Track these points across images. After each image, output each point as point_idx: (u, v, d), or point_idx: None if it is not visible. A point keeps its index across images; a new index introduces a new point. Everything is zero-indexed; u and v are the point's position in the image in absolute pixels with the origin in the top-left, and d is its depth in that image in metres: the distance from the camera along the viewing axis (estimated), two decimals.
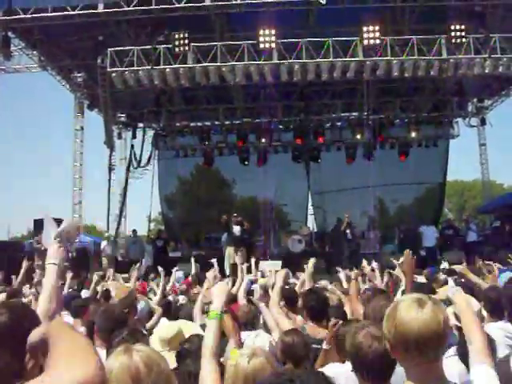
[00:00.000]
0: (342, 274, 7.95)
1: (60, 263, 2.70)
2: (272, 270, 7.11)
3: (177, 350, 3.71)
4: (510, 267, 9.03)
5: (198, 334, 3.74)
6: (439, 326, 1.98)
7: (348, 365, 3.00)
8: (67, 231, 2.83)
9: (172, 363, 3.22)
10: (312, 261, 6.77)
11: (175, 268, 9.43)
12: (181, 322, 4.69)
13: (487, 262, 8.46)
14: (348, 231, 17.73)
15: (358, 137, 21.89)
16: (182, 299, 8.12)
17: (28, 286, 8.09)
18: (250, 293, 6.76)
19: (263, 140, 21.93)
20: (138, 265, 9.45)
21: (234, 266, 15.51)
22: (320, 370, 3.43)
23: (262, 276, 8.82)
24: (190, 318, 5.38)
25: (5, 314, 1.87)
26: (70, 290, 7.97)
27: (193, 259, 10.46)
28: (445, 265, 6.52)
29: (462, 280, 6.08)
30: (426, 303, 2.03)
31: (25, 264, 7.59)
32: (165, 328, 4.05)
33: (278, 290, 4.85)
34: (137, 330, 3.83)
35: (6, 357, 1.76)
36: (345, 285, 7.41)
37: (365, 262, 7.67)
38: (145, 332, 4.09)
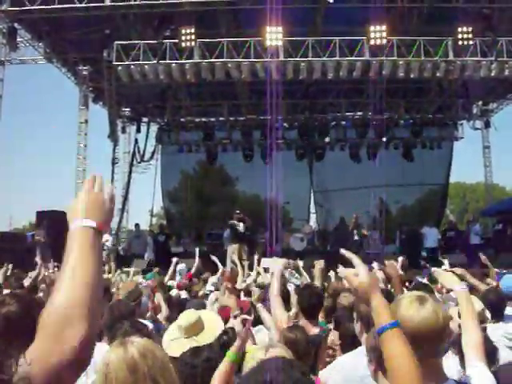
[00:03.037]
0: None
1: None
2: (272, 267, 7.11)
3: (193, 337, 3.76)
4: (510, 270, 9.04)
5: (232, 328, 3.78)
6: (438, 323, 2.01)
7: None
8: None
9: (184, 350, 3.24)
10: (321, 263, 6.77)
11: (175, 259, 9.42)
12: (203, 311, 4.71)
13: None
14: (355, 231, 17.77)
15: (362, 137, 21.92)
16: (183, 294, 8.16)
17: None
18: (247, 293, 6.80)
19: (267, 137, 21.91)
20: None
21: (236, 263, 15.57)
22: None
23: (266, 272, 8.85)
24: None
25: (14, 304, 1.89)
26: None
27: (197, 251, 10.49)
28: (446, 266, 6.51)
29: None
30: (427, 301, 2.07)
31: (39, 262, 7.63)
32: (185, 315, 4.07)
33: (277, 275, 4.82)
34: (138, 321, 3.86)
35: (17, 344, 1.78)
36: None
37: (375, 265, 7.66)
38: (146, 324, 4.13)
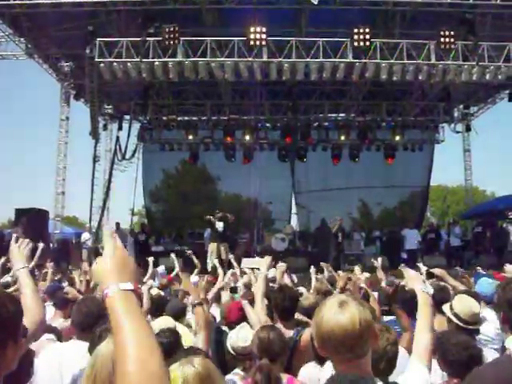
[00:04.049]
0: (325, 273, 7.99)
1: (28, 264, 2.84)
2: (254, 267, 7.09)
3: None
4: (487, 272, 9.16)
5: (171, 329, 3.74)
6: (354, 326, 1.99)
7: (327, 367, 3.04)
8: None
9: None
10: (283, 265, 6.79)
11: (151, 258, 9.34)
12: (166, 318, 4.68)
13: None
14: (339, 234, 17.86)
15: (344, 138, 22.02)
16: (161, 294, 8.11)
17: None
18: (233, 290, 6.78)
19: (249, 137, 21.91)
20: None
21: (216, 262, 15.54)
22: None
23: (244, 273, 8.82)
24: (179, 313, 5.39)
25: (6, 298, 1.86)
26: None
27: (173, 255, 10.38)
28: (422, 271, 6.56)
29: (441, 283, 6.12)
30: (348, 304, 2.05)
31: (2, 260, 7.53)
32: (162, 321, 4.05)
33: (262, 277, 4.79)
34: None
35: None
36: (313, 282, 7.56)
37: (357, 269, 7.70)
38: None
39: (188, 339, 3.74)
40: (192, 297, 4.46)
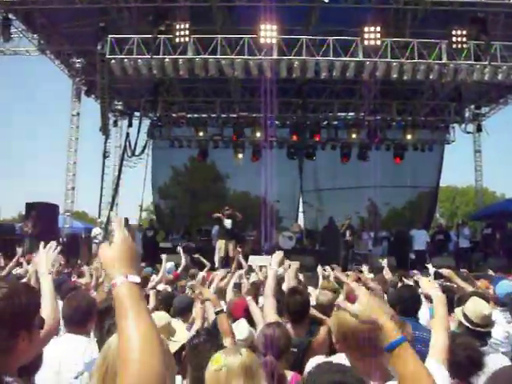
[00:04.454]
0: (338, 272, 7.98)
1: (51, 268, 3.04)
2: (261, 265, 7.10)
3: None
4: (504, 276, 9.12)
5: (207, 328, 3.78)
6: (374, 323, 2.01)
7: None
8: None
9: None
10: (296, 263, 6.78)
11: (164, 256, 9.38)
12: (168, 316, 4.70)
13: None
14: (348, 233, 17.83)
15: (354, 137, 21.96)
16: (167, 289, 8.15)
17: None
18: (237, 286, 6.79)
19: (259, 135, 21.91)
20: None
21: (223, 259, 15.58)
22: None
23: (251, 270, 8.84)
24: (185, 309, 5.41)
25: (4, 289, 1.88)
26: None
27: (181, 249, 10.41)
28: (431, 271, 6.55)
29: (448, 283, 6.10)
30: None
31: (19, 252, 7.58)
32: (157, 317, 4.06)
33: (273, 274, 4.76)
34: None
35: (4, 331, 1.78)
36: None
37: (365, 268, 7.69)
38: None
39: (183, 335, 3.75)
40: (212, 304, 4.50)
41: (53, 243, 3.18)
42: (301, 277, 8.70)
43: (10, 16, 16.32)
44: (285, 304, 4.67)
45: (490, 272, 10.15)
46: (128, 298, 1.44)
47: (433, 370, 2.44)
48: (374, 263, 13.17)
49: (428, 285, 3.17)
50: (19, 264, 7.71)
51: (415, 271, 6.41)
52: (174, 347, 3.37)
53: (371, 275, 8.13)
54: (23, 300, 1.87)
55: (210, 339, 3.48)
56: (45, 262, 3.06)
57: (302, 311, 4.57)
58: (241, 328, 4.17)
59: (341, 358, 2.44)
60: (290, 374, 3.43)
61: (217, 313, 4.13)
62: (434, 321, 2.81)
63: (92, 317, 3.91)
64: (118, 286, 1.47)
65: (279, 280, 6.14)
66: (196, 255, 9.49)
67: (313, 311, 4.85)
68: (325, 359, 3.51)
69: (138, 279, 1.51)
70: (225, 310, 5.99)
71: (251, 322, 4.77)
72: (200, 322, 4.63)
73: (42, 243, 3.20)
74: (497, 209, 24.07)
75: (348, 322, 2.05)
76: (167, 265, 9.93)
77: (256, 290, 6.88)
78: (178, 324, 4.02)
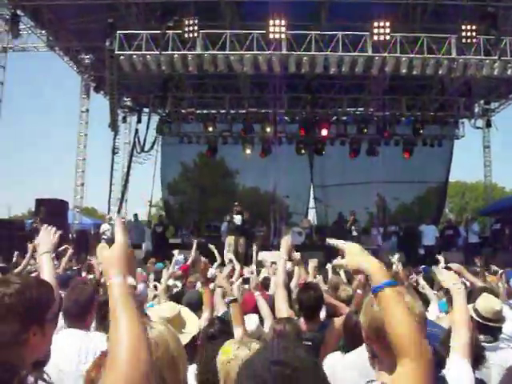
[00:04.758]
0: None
1: (52, 250, 3.05)
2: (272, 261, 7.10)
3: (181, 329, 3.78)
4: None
5: (220, 317, 3.79)
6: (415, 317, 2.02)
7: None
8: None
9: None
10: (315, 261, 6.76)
11: (176, 251, 9.42)
12: (181, 306, 4.71)
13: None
14: (353, 227, 17.80)
15: (363, 132, 21.90)
16: (177, 284, 8.19)
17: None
18: (245, 281, 6.79)
19: (268, 130, 21.90)
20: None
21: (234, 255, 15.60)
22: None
23: (261, 266, 8.85)
24: (195, 305, 5.42)
25: (16, 284, 1.90)
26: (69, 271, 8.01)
27: (195, 243, 10.45)
28: (442, 263, 6.53)
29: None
30: (403, 295, 2.07)
31: (31, 247, 7.60)
32: (167, 308, 4.07)
33: (282, 264, 4.74)
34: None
35: (15, 325, 1.80)
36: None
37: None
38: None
39: (194, 326, 3.76)
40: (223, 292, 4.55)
41: (55, 229, 3.20)
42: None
43: (19, 12, 16.38)
44: (298, 300, 4.69)
45: (495, 268, 10.09)
46: (122, 299, 1.50)
47: (457, 365, 2.43)
48: (384, 258, 13.13)
49: (450, 277, 3.10)
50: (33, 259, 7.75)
51: (440, 257, 6.36)
52: (185, 339, 3.39)
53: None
54: (35, 295, 1.89)
55: (224, 329, 3.50)
56: (45, 241, 3.07)
57: (316, 307, 4.58)
58: (250, 323, 4.19)
59: (362, 352, 2.45)
60: None
61: (230, 302, 4.15)
62: (455, 315, 2.79)
63: (92, 309, 3.90)
64: (115, 286, 1.53)
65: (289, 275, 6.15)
66: (211, 246, 9.45)
67: (330, 299, 4.89)
68: (341, 355, 3.53)
69: (133, 281, 1.58)
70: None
71: (260, 318, 4.80)
72: (209, 310, 4.65)
73: (44, 226, 3.23)
74: (506, 204, 23.94)
75: (383, 319, 2.04)
76: (177, 257, 9.96)
77: (266, 285, 6.91)
78: (189, 314, 4.03)
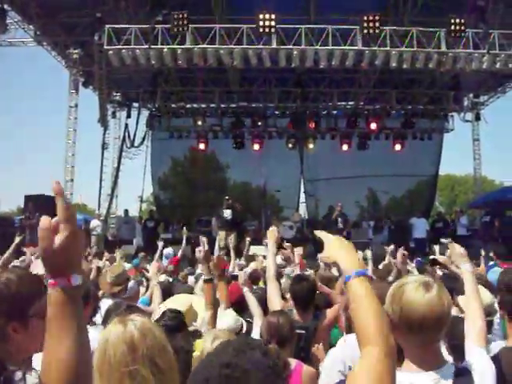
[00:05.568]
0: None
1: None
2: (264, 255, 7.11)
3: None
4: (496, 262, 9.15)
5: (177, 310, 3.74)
6: (443, 309, 2.04)
7: None
8: None
9: None
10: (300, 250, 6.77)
11: (161, 243, 9.33)
12: (194, 296, 4.73)
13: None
14: (339, 219, 17.82)
15: (353, 126, 21.93)
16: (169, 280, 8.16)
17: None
18: (234, 277, 6.80)
19: (259, 124, 21.86)
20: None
21: (223, 250, 15.60)
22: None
23: (252, 260, 8.85)
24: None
25: (12, 279, 1.87)
26: None
27: (184, 236, 10.44)
28: (437, 252, 6.56)
29: (448, 271, 6.10)
30: (432, 286, 2.08)
31: (17, 240, 7.55)
32: (179, 302, 4.08)
33: (271, 255, 4.74)
34: (134, 306, 3.86)
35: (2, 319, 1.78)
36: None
37: (368, 253, 7.67)
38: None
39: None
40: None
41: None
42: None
43: (6, 7, 16.21)
44: (291, 291, 4.74)
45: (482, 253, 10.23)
46: (64, 302, 1.44)
47: (474, 353, 2.41)
48: (377, 251, 13.16)
49: (460, 255, 2.99)
50: (21, 253, 7.73)
51: (449, 239, 6.36)
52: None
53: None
54: (13, 289, 1.85)
55: (173, 319, 3.41)
56: None
57: (309, 298, 4.66)
58: (227, 317, 4.23)
59: None
60: (294, 362, 3.45)
61: (205, 281, 4.16)
62: (467, 301, 2.74)
63: (87, 304, 3.89)
64: (57, 288, 1.43)
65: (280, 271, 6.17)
66: (202, 238, 9.41)
67: (323, 287, 4.93)
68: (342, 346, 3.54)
69: (79, 281, 1.47)
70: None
71: (241, 311, 4.85)
72: (225, 303, 4.67)
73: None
74: (495, 196, 24.06)
75: (418, 311, 2.03)
76: (166, 250, 9.92)
77: (255, 279, 6.92)
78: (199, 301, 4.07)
